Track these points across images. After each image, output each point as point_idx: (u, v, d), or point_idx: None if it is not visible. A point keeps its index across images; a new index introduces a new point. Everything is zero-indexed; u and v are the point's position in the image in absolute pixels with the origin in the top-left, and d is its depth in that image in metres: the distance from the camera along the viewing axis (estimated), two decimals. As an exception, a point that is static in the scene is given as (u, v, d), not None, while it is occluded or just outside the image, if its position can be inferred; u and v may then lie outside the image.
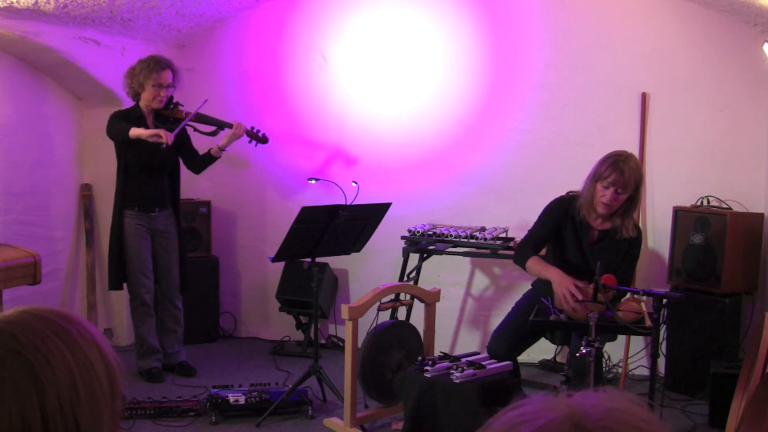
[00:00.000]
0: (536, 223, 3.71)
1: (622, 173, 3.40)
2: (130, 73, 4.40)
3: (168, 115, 4.45)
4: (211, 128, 4.58)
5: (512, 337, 3.68)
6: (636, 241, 3.60)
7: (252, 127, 4.62)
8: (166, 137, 4.16)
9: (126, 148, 4.36)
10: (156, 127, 4.41)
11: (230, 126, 4.51)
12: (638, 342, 4.65)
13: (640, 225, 4.81)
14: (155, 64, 4.33)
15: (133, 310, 4.54)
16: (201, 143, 4.69)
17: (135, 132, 4.20)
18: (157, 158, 4.36)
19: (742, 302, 4.39)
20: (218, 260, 5.41)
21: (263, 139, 4.66)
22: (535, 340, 3.81)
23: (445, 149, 5.14)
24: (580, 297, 3.26)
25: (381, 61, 5.21)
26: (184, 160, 4.65)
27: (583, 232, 3.60)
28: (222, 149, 4.54)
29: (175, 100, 4.50)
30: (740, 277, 4.33)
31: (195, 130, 4.57)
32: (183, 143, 4.50)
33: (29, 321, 0.92)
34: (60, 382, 0.88)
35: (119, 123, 4.29)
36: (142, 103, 4.41)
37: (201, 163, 4.63)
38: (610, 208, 3.48)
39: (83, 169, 5.21)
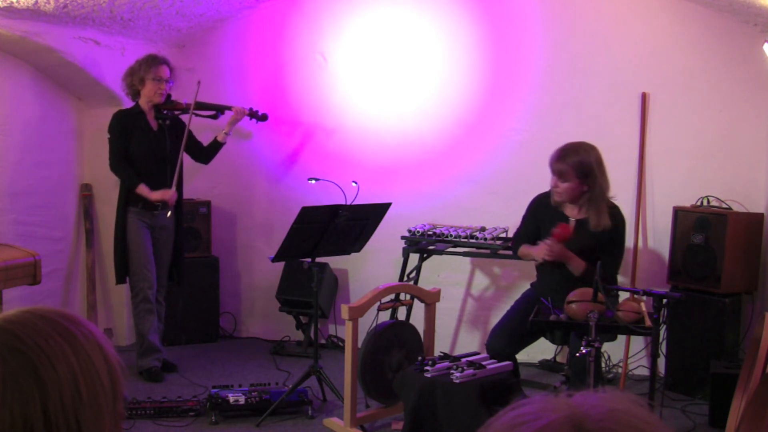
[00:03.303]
0: (521, 220, 3.98)
1: (557, 161, 3.64)
2: (129, 72, 4.53)
3: (168, 109, 4.58)
4: (211, 112, 4.76)
5: (511, 334, 3.72)
6: (614, 230, 3.67)
7: (251, 108, 4.85)
8: (171, 199, 4.43)
9: (128, 147, 4.45)
10: (156, 120, 4.55)
11: (229, 108, 4.74)
12: (638, 342, 4.65)
13: (640, 225, 4.81)
14: (153, 60, 4.49)
15: (134, 306, 4.55)
16: (201, 133, 4.70)
17: (141, 190, 4.42)
18: (160, 155, 4.47)
19: (742, 302, 4.39)
20: (218, 260, 5.41)
21: (263, 117, 4.94)
22: (534, 339, 3.84)
23: (445, 149, 5.14)
24: (550, 244, 3.58)
25: (381, 61, 5.21)
26: (191, 154, 4.77)
27: (559, 222, 3.68)
28: (227, 134, 4.77)
29: (173, 98, 4.62)
30: (740, 277, 4.33)
31: (197, 115, 4.68)
32: (188, 139, 4.60)
33: (32, 321, 0.92)
34: (62, 382, 0.88)
35: (126, 169, 4.44)
36: (142, 101, 4.52)
37: (209, 152, 4.81)
38: (560, 196, 3.69)
39: (83, 169, 5.21)
